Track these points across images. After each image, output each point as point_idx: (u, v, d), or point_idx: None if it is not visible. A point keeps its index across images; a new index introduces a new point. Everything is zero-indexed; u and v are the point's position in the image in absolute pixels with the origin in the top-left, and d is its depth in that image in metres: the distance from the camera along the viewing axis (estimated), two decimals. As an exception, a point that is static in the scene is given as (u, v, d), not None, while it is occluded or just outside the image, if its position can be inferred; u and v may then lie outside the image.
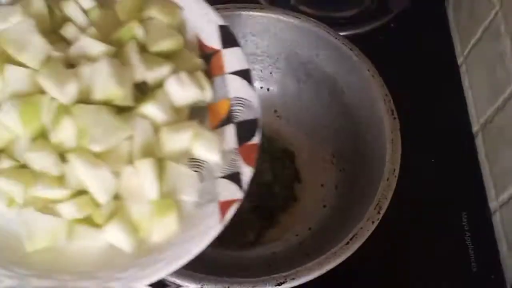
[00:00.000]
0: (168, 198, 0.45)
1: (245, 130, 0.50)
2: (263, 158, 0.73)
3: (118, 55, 0.48)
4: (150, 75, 0.49)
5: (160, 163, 0.46)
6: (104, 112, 0.45)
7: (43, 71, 0.45)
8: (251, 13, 0.72)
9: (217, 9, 0.70)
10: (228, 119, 0.51)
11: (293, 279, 0.52)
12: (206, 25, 0.54)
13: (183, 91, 0.49)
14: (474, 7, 0.85)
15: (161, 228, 0.45)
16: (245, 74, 0.52)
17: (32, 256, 0.45)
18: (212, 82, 0.52)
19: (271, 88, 0.79)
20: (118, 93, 0.46)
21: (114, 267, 0.44)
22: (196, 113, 0.52)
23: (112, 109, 0.46)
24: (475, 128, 0.82)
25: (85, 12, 0.51)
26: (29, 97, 0.46)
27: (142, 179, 0.44)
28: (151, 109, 0.47)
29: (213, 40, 0.53)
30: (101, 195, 0.44)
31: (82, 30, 0.50)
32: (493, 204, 0.76)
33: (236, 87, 0.52)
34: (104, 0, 0.52)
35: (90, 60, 0.47)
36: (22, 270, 0.44)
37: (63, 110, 0.45)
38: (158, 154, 0.46)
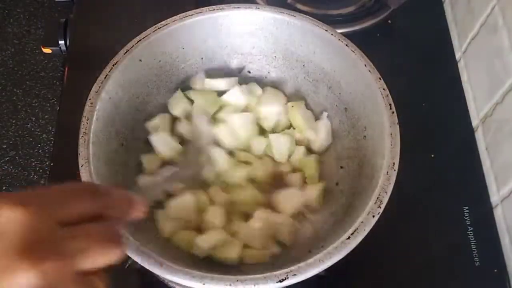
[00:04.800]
0: None
1: None
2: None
3: None
4: None
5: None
6: None
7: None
8: (247, 12, 0.72)
9: (213, 9, 0.71)
10: None
11: (295, 275, 0.51)
12: None
13: None
14: (471, 2, 0.85)
15: None
16: None
17: None
18: None
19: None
20: None
21: None
22: None
23: None
24: (474, 122, 0.82)
25: None
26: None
27: None
28: None
29: None
30: None
31: None
32: (494, 198, 0.76)
33: None
34: None
35: None
36: None
37: None
38: None
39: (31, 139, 0.86)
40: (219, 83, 0.75)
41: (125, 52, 0.68)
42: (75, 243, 0.36)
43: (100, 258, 0.37)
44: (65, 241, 0.35)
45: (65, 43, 0.89)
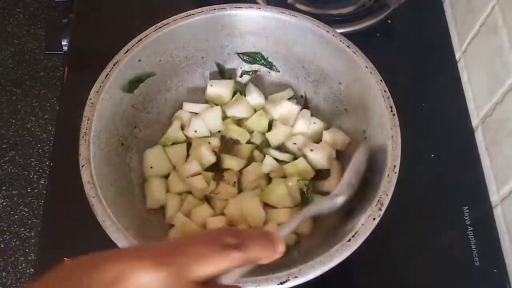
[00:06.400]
0: None
1: None
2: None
3: None
4: None
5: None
6: None
7: None
8: (248, 12, 0.72)
9: (214, 9, 0.71)
10: None
11: (296, 277, 0.52)
12: None
13: None
14: (471, 2, 0.85)
15: None
16: None
17: None
18: None
19: (269, 87, 0.79)
20: None
21: None
22: None
23: None
24: (474, 122, 0.82)
25: None
26: None
27: None
28: None
29: None
30: None
31: None
32: (494, 198, 0.76)
33: None
34: None
35: None
36: None
37: None
38: None
39: (31, 139, 0.86)
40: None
41: (126, 52, 0.68)
42: None
43: None
44: None
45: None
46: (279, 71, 0.78)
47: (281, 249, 0.41)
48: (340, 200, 0.59)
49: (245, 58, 0.77)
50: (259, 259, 0.40)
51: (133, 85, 0.69)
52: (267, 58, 0.77)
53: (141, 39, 0.69)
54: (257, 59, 0.77)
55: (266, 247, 0.40)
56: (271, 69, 0.77)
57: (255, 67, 0.78)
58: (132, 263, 0.34)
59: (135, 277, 0.33)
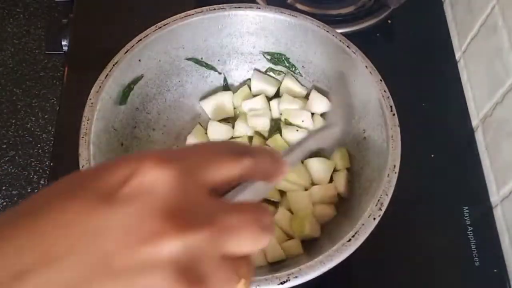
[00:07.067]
0: None
1: None
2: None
3: None
4: None
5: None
6: None
7: None
8: (247, 12, 0.72)
9: (214, 9, 0.71)
10: None
11: (296, 277, 0.52)
12: None
13: None
14: (471, 2, 0.85)
15: None
16: None
17: None
18: None
19: (269, 87, 0.79)
20: None
21: None
22: None
23: None
24: (474, 122, 0.82)
25: None
26: None
27: None
28: None
29: None
30: None
31: None
32: (494, 198, 0.76)
33: None
34: None
35: None
36: None
37: None
38: None
39: (31, 139, 0.86)
40: None
41: (125, 52, 0.68)
42: (228, 219, 0.30)
43: (248, 245, 0.31)
44: (217, 214, 0.30)
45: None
46: (301, 75, 0.77)
47: (285, 169, 0.37)
48: (337, 129, 0.55)
49: (269, 58, 0.77)
50: (267, 175, 0.36)
51: (125, 95, 0.69)
52: (290, 60, 0.77)
53: (141, 39, 0.69)
54: (281, 60, 0.77)
55: (273, 163, 0.37)
56: (294, 73, 0.77)
57: (279, 68, 0.78)
58: (142, 162, 0.30)
59: (145, 174, 0.29)
